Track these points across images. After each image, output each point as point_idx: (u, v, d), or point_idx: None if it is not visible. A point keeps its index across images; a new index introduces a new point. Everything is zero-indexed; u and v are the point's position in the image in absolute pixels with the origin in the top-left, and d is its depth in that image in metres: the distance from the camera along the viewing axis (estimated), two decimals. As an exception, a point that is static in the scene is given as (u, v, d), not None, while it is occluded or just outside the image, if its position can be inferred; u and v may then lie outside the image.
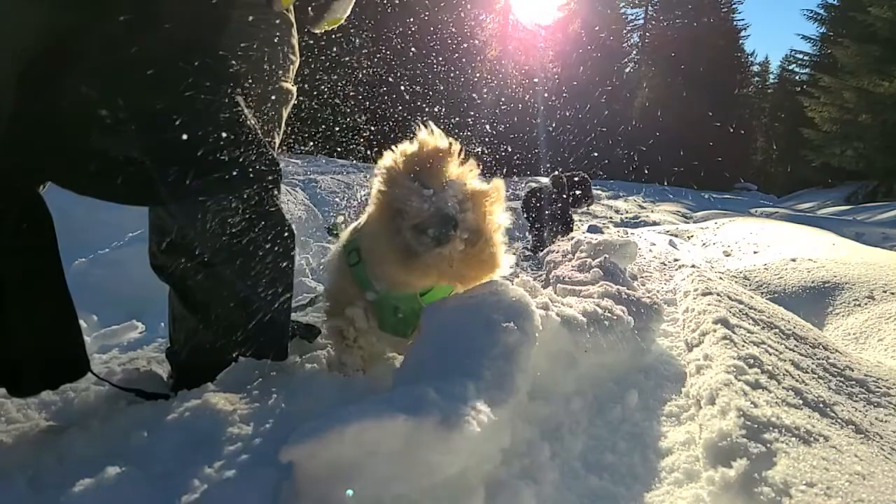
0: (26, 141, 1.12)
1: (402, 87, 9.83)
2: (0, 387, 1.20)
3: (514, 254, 3.93)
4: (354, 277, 1.35)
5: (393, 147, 1.29)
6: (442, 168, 1.21)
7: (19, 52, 1.09)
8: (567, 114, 17.01)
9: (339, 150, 9.40)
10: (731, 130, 22.25)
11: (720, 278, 2.18)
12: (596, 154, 15.96)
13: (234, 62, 1.29)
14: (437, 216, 1.16)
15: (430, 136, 1.25)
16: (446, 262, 1.21)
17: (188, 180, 1.19)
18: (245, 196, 1.26)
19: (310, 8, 1.63)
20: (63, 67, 1.11)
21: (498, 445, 0.96)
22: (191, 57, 1.19)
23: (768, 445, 0.96)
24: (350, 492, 0.78)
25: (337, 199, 5.09)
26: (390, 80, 10.18)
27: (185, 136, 1.17)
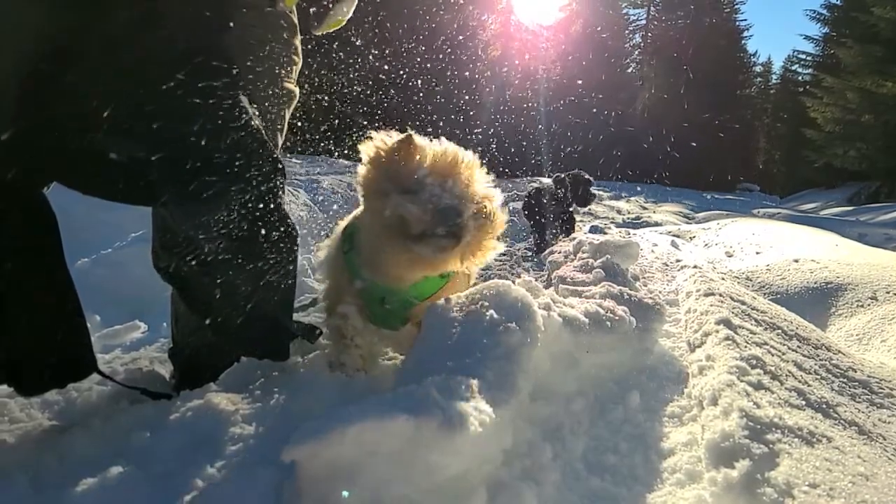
0: (27, 141, 1.12)
1: (404, 88, 9.84)
2: (7, 386, 1.20)
3: (515, 254, 3.92)
4: (347, 264, 1.34)
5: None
6: (412, 161, 1.18)
7: (19, 53, 1.10)
8: (569, 114, 17.01)
9: (340, 150, 9.41)
10: (734, 131, 22.23)
11: (722, 279, 2.17)
12: (598, 154, 15.95)
13: (236, 62, 1.28)
14: (438, 214, 1.13)
15: (384, 138, 1.23)
16: (467, 247, 1.19)
17: (191, 180, 1.18)
18: (248, 196, 1.26)
19: (312, 9, 1.63)
20: (63, 67, 1.11)
21: (499, 446, 0.95)
22: (192, 57, 1.18)
23: (771, 446, 0.96)
24: (346, 493, 0.78)
25: (339, 199, 5.07)
26: (391, 80, 10.19)
27: (187, 137, 1.17)
